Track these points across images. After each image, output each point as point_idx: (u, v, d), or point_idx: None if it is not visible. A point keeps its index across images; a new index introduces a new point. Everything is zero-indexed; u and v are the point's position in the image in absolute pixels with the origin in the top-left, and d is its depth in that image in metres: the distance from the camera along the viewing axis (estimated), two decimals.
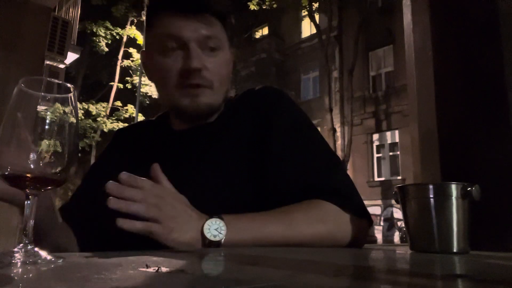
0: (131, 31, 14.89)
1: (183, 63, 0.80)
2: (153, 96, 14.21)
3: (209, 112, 0.86)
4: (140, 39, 14.10)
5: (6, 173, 0.46)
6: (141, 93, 13.29)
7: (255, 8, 13.39)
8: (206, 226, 0.66)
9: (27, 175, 0.46)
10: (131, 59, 15.04)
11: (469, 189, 0.68)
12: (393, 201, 11.21)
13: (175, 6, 0.81)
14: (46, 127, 0.48)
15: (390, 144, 13.38)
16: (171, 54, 0.81)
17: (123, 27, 15.09)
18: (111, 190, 0.62)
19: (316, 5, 14.04)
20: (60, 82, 0.51)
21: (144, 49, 0.91)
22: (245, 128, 0.86)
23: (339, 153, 12.56)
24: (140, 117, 13.71)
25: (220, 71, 0.84)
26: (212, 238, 0.65)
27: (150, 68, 0.89)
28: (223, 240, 0.66)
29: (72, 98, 0.50)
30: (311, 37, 15.54)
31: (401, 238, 11.16)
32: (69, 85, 0.51)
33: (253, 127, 0.85)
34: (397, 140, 13.03)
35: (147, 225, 0.63)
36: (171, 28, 0.80)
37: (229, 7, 0.90)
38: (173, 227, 0.64)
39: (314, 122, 0.93)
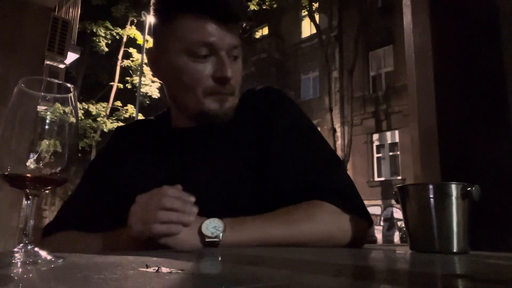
0: (131, 31, 14.88)
1: (216, 71, 0.80)
2: (153, 96, 14.21)
3: (228, 116, 0.85)
4: (140, 39, 14.09)
5: (6, 173, 0.46)
6: (141, 93, 13.29)
7: (255, 8, 13.38)
8: (204, 225, 0.67)
9: (27, 175, 0.46)
10: (131, 59, 15.03)
11: (469, 189, 0.68)
12: (393, 201, 11.21)
13: (209, 12, 0.79)
14: (46, 127, 0.48)
15: (390, 144, 13.38)
16: (202, 60, 0.80)
17: (123, 27, 15.09)
18: None
19: (316, 5, 14.04)
20: (60, 82, 0.51)
21: (153, 47, 0.88)
22: (245, 128, 0.86)
23: (339, 153, 12.56)
24: (140, 117, 13.67)
25: (239, 79, 0.86)
26: (209, 235, 0.65)
27: (162, 68, 0.87)
28: (221, 236, 0.66)
29: (72, 98, 0.50)
30: (311, 37, 15.54)
31: (401, 238, 11.16)
32: (69, 85, 0.51)
33: (254, 127, 0.85)
34: (397, 140, 13.02)
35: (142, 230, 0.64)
36: (205, 34, 0.79)
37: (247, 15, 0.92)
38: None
39: (314, 122, 0.93)
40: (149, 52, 0.89)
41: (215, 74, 0.80)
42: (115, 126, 14.21)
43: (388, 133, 13.40)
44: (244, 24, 0.94)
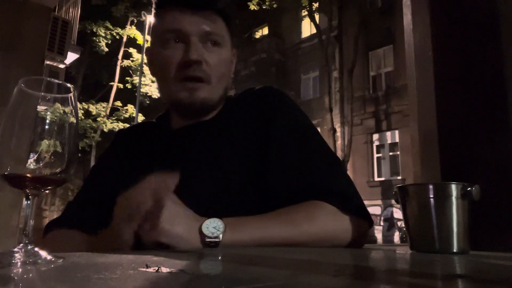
0: (131, 31, 14.88)
1: (182, 55, 0.81)
2: (153, 96, 14.21)
3: (205, 107, 0.86)
4: (140, 39, 14.09)
5: (6, 173, 0.46)
6: (141, 93, 13.28)
7: (255, 8, 13.38)
8: (204, 225, 0.67)
9: (27, 175, 0.46)
10: (131, 59, 15.04)
11: (469, 189, 0.68)
12: (393, 201, 11.21)
13: (181, 2, 0.83)
14: (46, 127, 0.48)
15: (390, 144, 13.37)
16: (172, 47, 0.83)
17: (123, 27, 15.09)
18: None
19: (316, 5, 14.03)
20: (60, 82, 0.51)
21: (149, 46, 0.92)
22: (244, 127, 0.86)
23: (339, 153, 12.56)
24: (140, 117, 13.70)
25: (219, 67, 0.85)
26: (210, 235, 0.65)
27: (153, 63, 0.90)
28: (221, 236, 0.66)
29: (72, 98, 0.50)
30: (311, 37, 15.54)
31: (401, 238, 11.16)
32: (69, 85, 0.51)
33: (253, 127, 0.85)
34: (397, 140, 13.02)
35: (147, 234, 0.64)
36: (174, 23, 0.83)
37: (232, 7, 0.92)
38: (166, 221, 0.64)
39: (314, 122, 0.93)
40: (146, 50, 0.94)
41: (181, 58, 0.81)
42: (115, 126, 14.27)
43: (388, 133, 13.39)
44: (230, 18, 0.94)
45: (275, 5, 13.90)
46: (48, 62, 4.57)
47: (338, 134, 13.39)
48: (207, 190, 0.79)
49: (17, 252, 0.43)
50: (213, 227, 0.67)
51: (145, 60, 0.93)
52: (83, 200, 0.92)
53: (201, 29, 0.82)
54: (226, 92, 0.91)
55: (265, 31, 17.85)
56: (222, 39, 0.85)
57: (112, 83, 15.17)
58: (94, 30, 14.43)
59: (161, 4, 0.87)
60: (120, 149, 0.98)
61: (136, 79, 14.10)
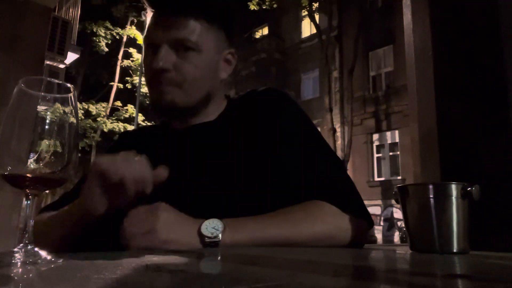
0: (131, 31, 14.88)
1: (151, 62, 0.84)
2: None
3: (177, 110, 0.86)
4: (140, 39, 14.08)
5: (6, 173, 0.46)
6: (141, 93, 13.27)
7: (255, 8, 13.38)
8: (203, 226, 0.67)
9: (27, 175, 0.46)
10: (131, 59, 15.04)
11: (469, 189, 0.68)
12: (393, 201, 11.21)
13: (157, 9, 0.86)
14: (46, 127, 0.48)
15: (390, 144, 13.37)
16: (149, 53, 0.86)
17: (123, 27, 15.09)
18: None
19: (316, 5, 14.03)
20: (60, 82, 0.51)
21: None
22: (247, 128, 0.86)
23: (339, 153, 12.56)
24: (140, 117, 13.70)
25: (194, 72, 0.84)
26: (209, 235, 0.65)
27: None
28: (220, 236, 0.66)
29: (72, 98, 0.50)
30: (311, 37, 15.53)
31: (401, 238, 11.15)
32: (69, 85, 0.51)
33: (255, 128, 0.85)
34: (397, 140, 13.02)
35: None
36: (148, 30, 0.86)
37: (225, 9, 0.90)
38: (165, 230, 0.64)
39: (314, 122, 0.93)
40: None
41: (150, 64, 0.84)
42: (115, 126, 14.24)
43: (388, 133, 13.39)
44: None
45: (275, 5, 13.89)
46: (48, 62, 4.57)
47: (338, 134, 13.39)
48: (208, 191, 0.79)
49: (17, 252, 0.43)
50: (212, 227, 0.67)
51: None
52: (79, 190, 0.91)
53: (171, 36, 0.82)
54: (211, 94, 0.90)
55: (265, 31, 17.85)
56: (197, 44, 0.83)
57: (112, 83, 15.18)
58: (94, 30, 14.42)
59: (146, 9, 0.90)
60: (123, 149, 0.98)
61: (136, 79, 14.10)
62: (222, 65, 0.90)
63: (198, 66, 0.84)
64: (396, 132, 13.03)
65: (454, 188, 0.68)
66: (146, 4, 0.86)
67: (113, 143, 1.04)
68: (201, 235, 0.66)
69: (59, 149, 0.48)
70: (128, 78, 14.93)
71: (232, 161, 0.83)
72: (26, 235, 0.45)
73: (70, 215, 0.73)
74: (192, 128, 0.89)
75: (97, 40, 14.58)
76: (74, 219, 0.71)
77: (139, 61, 13.94)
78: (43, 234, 0.72)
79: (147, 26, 0.88)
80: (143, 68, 0.89)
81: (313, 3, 13.71)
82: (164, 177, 0.66)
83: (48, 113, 0.48)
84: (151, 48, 0.85)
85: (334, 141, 12.58)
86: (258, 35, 17.99)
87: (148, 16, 0.88)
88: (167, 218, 0.66)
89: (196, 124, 0.89)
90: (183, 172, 0.82)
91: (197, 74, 0.84)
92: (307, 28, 16.11)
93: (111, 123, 14.60)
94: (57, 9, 5.61)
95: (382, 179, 13.18)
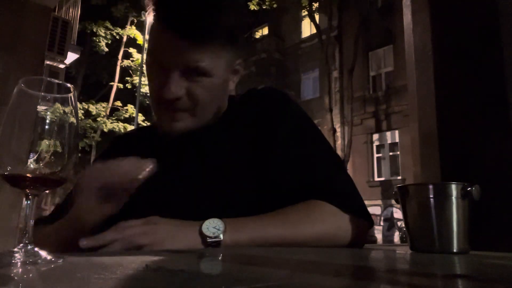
0: (131, 31, 14.88)
1: (161, 87, 0.77)
2: None
3: (189, 132, 0.83)
4: (140, 39, 14.09)
5: (6, 173, 0.46)
6: (141, 93, 13.28)
7: (255, 8, 13.38)
8: (204, 226, 0.67)
9: (27, 175, 0.46)
10: (131, 59, 15.04)
11: (469, 189, 0.68)
12: (393, 201, 11.21)
13: (171, 27, 0.74)
14: (46, 127, 0.48)
15: (390, 144, 13.37)
16: (155, 70, 0.79)
17: (123, 27, 15.09)
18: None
19: (316, 5, 14.03)
20: (60, 82, 0.50)
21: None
22: (247, 128, 0.86)
23: (339, 153, 12.54)
24: (140, 117, 13.70)
25: (206, 96, 0.79)
26: (210, 235, 0.65)
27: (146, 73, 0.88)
28: (221, 236, 0.66)
29: (72, 98, 0.50)
30: (311, 37, 15.53)
31: (401, 238, 11.16)
32: (69, 85, 0.51)
33: (256, 128, 0.85)
34: (397, 140, 13.02)
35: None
36: (158, 50, 0.78)
37: (235, 26, 0.81)
38: (168, 240, 0.64)
39: (314, 122, 0.93)
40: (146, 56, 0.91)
41: (160, 90, 0.77)
42: (115, 126, 14.24)
43: (388, 133, 13.39)
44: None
45: (275, 5, 13.90)
46: (48, 62, 4.57)
47: (338, 134, 13.39)
48: (208, 191, 0.79)
49: (17, 252, 0.43)
50: (213, 227, 0.67)
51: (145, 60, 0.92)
52: (70, 201, 0.91)
53: (184, 62, 0.75)
54: (221, 109, 0.88)
55: (265, 31, 17.84)
56: (211, 68, 0.77)
57: (112, 83, 15.18)
58: (94, 30, 14.43)
59: (156, 20, 0.78)
60: (116, 152, 0.98)
61: (136, 79, 14.10)
62: (230, 77, 0.87)
63: (210, 90, 0.80)
64: (396, 132, 13.03)
65: (454, 188, 0.68)
66: (160, 25, 0.76)
67: (105, 148, 1.03)
68: (202, 235, 0.66)
69: (59, 149, 0.48)
70: (128, 78, 14.93)
71: (233, 161, 0.83)
72: (26, 235, 0.45)
73: (65, 228, 0.73)
74: (194, 129, 0.89)
75: (97, 40, 14.59)
76: (70, 232, 0.70)
77: (139, 61, 13.94)
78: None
79: (153, 38, 0.78)
80: (148, 78, 0.82)
81: (313, 3, 13.71)
82: (151, 169, 0.66)
83: (48, 113, 0.48)
84: (159, 69, 0.77)
85: (334, 141, 12.58)
86: (258, 35, 17.98)
87: (148, 16, 0.82)
88: (167, 228, 0.66)
89: (199, 125, 0.89)
90: (183, 173, 0.82)
91: (209, 98, 0.81)
92: (307, 28, 16.11)
93: (111, 123, 14.60)
94: (57, 9, 5.61)
95: (382, 179, 13.18)
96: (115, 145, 1.01)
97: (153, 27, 0.79)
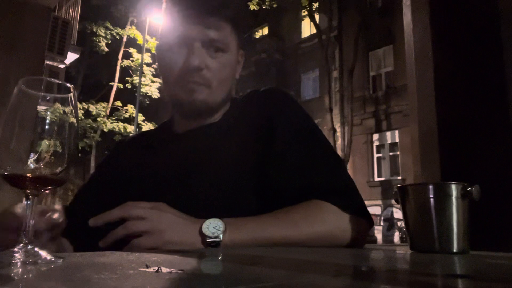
0: (131, 31, 14.87)
1: (184, 60, 0.83)
2: (153, 96, 14.20)
3: (205, 110, 0.87)
4: (140, 39, 14.08)
5: (6, 173, 0.46)
6: (141, 93, 13.28)
7: (255, 8, 13.37)
8: (204, 226, 0.67)
9: (27, 175, 0.46)
10: (131, 59, 15.02)
11: (469, 189, 0.68)
12: (393, 201, 11.21)
13: (188, 7, 0.85)
14: (46, 127, 0.48)
15: (390, 144, 13.37)
16: (176, 50, 0.85)
17: (123, 27, 15.08)
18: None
19: (316, 5, 14.03)
20: (60, 82, 0.51)
21: (159, 44, 0.94)
22: (249, 129, 0.86)
23: (339, 153, 12.52)
24: (140, 117, 13.69)
25: (222, 72, 0.86)
26: (210, 235, 0.65)
27: (160, 62, 0.92)
28: (221, 236, 0.66)
29: (72, 98, 0.50)
30: (311, 37, 15.53)
31: (401, 238, 11.16)
32: (69, 85, 0.51)
33: (258, 128, 0.86)
34: (397, 140, 13.02)
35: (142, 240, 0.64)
36: (180, 27, 0.85)
37: (240, 12, 0.93)
38: (168, 231, 0.65)
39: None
40: (156, 48, 0.96)
41: (184, 63, 0.83)
42: (115, 126, 14.22)
43: (388, 133, 13.39)
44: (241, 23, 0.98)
45: (275, 5, 13.89)
46: (48, 62, 4.57)
47: (338, 134, 13.39)
48: (209, 191, 0.79)
49: (17, 252, 0.43)
50: (213, 227, 0.67)
51: (145, 60, 0.93)
52: (80, 209, 0.91)
53: (205, 36, 0.83)
54: (230, 94, 0.93)
55: (265, 31, 17.84)
56: (226, 45, 0.86)
57: (112, 83, 15.16)
58: (94, 30, 14.42)
59: (175, 6, 0.88)
60: (120, 156, 0.99)
61: (136, 79, 14.09)
62: (239, 60, 0.94)
63: (225, 67, 0.87)
64: (396, 132, 13.03)
65: (454, 188, 0.68)
66: (183, 4, 0.86)
67: (109, 153, 1.05)
68: (202, 235, 0.66)
69: (59, 149, 0.48)
70: (128, 78, 14.91)
71: (234, 161, 0.83)
72: (26, 235, 0.45)
73: None
74: (197, 130, 0.89)
75: (97, 40, 14.58)
76: None
77: (139, 61, 13.93)
78: None
79: (171, 21, 0.88)
80: (164, 64, 0.88)
81: (313, 3, 13.71)
82: (57, 221, 0.71)
83: (48, 113, 0.48)
84: (178, 44, 0.85)
85: (334, 141, 12.58)
86: (258, 35, 17.98)
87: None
88: (171, 219, 0.66)
89: (200, 126, 0.89)
90: (183, 173, 0.82)
91: (224, 74, 0.87)
92: (307, 28, 16.10)
93: (111, 123, 14.59)
94: (57, 9, 5.61)
95: (382, 179, 13.18)
96: (118, 151, 1.03)
97: (172, 9, 0.88)
